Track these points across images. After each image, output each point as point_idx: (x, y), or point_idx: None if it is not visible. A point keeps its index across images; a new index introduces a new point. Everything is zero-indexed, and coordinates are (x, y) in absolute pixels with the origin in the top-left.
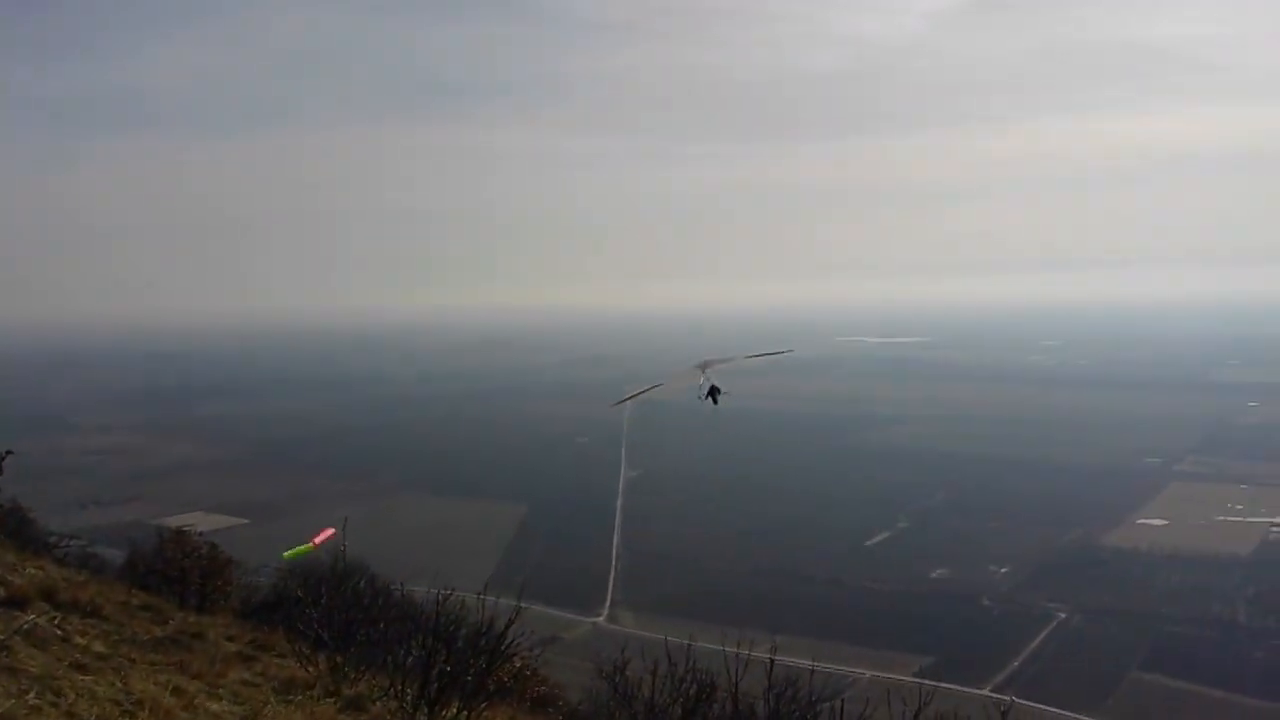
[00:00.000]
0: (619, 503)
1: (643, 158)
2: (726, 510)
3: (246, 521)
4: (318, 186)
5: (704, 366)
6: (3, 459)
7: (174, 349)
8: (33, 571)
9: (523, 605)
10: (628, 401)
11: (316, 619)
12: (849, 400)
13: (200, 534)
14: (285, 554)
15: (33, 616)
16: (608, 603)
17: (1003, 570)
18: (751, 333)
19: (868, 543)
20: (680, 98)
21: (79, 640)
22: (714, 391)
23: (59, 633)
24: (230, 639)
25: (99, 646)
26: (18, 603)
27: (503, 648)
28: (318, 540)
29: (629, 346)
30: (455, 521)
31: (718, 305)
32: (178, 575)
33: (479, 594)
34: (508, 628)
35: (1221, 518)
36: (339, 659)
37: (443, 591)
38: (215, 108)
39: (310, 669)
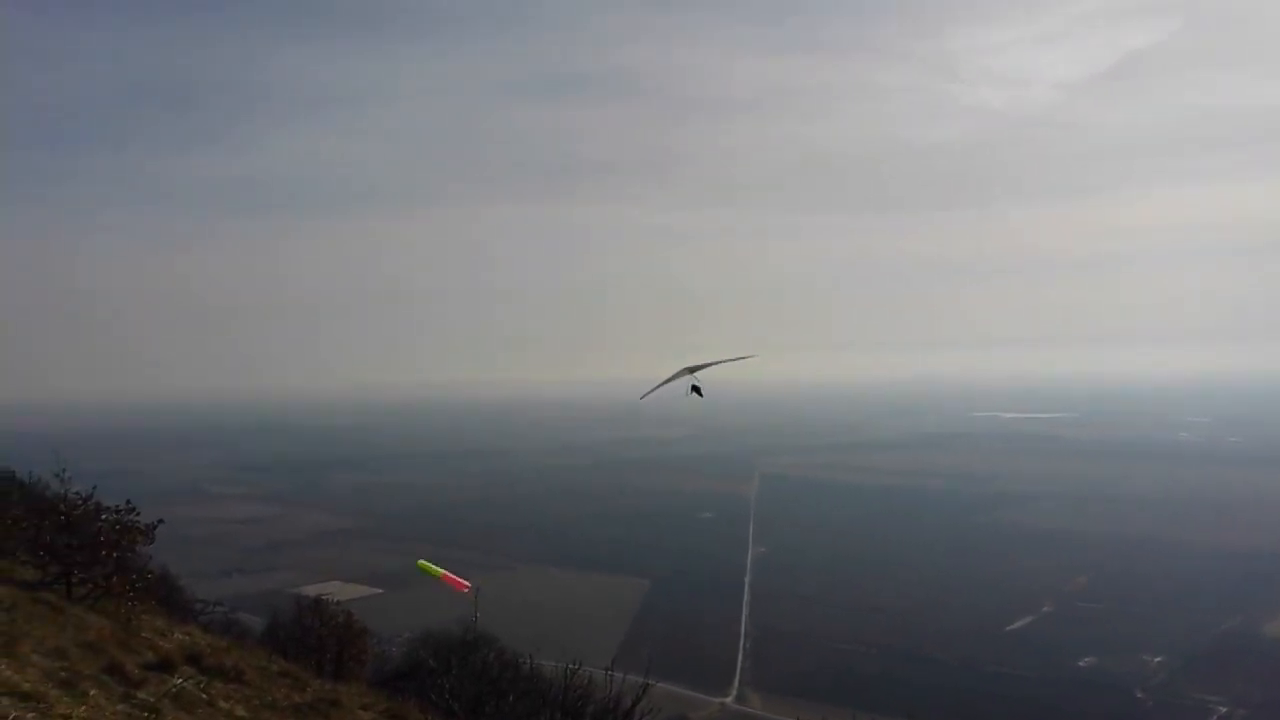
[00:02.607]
0: (746, 579)
1: (756, 231)
2: (858, 589)
3: (380, 591)
4: (430, 265)
5: (691, 370)
6: (154, 527)
7: (301, 422)
8: (180, 637)
9: (650, 682)
10: (651, 394)
11: (448, 689)
12: (985, 477)
13: (337, 603)
14: (420, 563)
15: (180, 680)
16: (736, 682)
17: (1156, 659)
18: (883, 406)
19: (1009, 627)
20: (797, 172)
21: (223, 704)
22: (696, 389)
23: (204, 696)
24: (365, 707)
25: (241, 711)
26: (166, 666)
27: None
28: (450, 577)
29: (752, 418)
30: (580, 595)
31: (841, 377)
32: (316, 643)
33: (606, 669)
34: (635, 705)
35: None
36: None
37: (570, 666)
38: (338, 191)
39: None
